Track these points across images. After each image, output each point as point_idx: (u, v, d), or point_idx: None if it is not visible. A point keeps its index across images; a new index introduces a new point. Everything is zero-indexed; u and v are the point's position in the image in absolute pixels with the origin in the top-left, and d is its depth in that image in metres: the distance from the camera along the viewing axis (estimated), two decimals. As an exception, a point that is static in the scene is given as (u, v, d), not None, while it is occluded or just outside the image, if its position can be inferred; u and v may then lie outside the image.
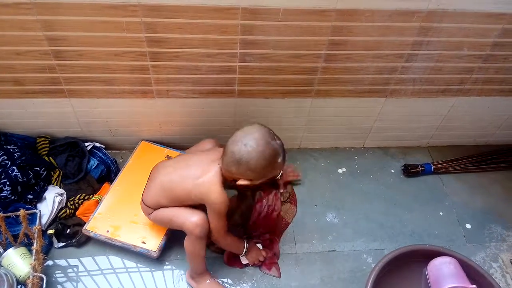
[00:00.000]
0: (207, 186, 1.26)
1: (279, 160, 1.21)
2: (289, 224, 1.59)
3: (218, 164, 1.27)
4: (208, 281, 1.39)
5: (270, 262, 1.48)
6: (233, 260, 1.48)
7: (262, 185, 1.60)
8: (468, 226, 1.67)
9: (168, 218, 1.35)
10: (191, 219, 1.29)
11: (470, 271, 1.32)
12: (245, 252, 1.43)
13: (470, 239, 1.63)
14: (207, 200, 1.27)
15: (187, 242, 1.32)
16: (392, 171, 1.83)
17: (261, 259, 1.46)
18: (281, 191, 1.63)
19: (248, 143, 1.17)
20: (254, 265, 1.47)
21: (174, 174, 1.34)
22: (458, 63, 1.53)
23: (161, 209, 1.37)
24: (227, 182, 1.29)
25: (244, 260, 1.46)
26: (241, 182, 1.23)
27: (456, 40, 1.44)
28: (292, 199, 1.65)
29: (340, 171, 1.81)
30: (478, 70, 1.57)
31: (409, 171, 1.79)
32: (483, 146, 1.96)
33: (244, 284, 1.44)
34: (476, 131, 1.88)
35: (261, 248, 1.50)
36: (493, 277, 1.32)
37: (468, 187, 1.80)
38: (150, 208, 1.38)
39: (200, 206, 1.32)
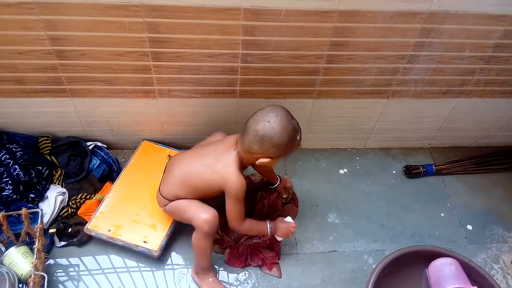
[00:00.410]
0: (225, 171, 1.29)
1: (298, 137, 1.28)
2: None
3: (235, 150, 1.32)
4: (210, 279, 1.40)
5: (271, 262, 1.48)
6: (233, 260, 1.48)
7: (263, 185, 1.60)
8: (469, 227, 1.67)
9: (181, 211, 1.38)
10: (201, 215, 1.30)
11: (471, 272, 1.32)
12: (270, 232, 1.41)
13: (471, 240, 1.63)
14: (226, 185, 1.29)
15: (194, 237, 1.34)
16: (394, 172, 1.83)
17: (293, 230, 1.44)
18: (284, 196, 1.63)
19: (271, 120, 1.22)
20: (288, 237, 1.45)
21: (192, 165, 1.37)
22: (460, 64, 1.53)
23: (177, 201, 1.39)
24: (245, 166, 1.35)
25: (278, 238, 1.46)
26: (261, 160, 1.27)
27: (458, 41, 1.44)
28: (293, 199, 1.65)
29: (341, 171, 1.81)
30: (480, 72, 1.57)
31: (411, 172, 1.79)
32: (485, 147, 1.96)
33: (245, 284, 1.44)
34: (478, 133, 1.88)
35: (289, 221, 1.45)
36: (494, 278, 1.32)
37: (469, 188, 1.80)
38: (167, 200, 1.40)
39: (214, 203, 1.35)
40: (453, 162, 1.85)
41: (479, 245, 1.62)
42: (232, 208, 1.32)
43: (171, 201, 1.40)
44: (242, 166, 1.33)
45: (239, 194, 1.29)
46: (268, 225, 1.41)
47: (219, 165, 1.31)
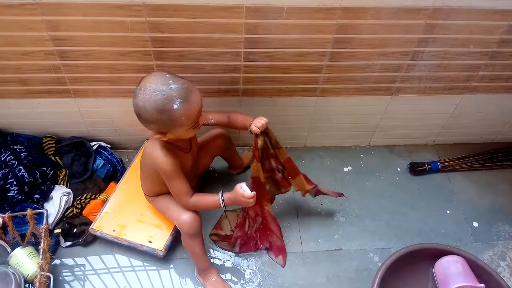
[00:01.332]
0: (150, 150, 1.25)
1: (176, 107, 1.09)
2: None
3: None
4: (213, 279, 1.40)
5: (279, 248, 1.48)
6: (245, 248, 1.49)
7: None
8: (475, 224, 1.66)
9: (164, 210, 1.39)
10: (181, 216, 1.30)
11: (477, 270, 1.31)
12: (223, 204, 1.27)
13: (478, 238, 1.62)
14: (157, 167, 1.24)
15: (182, 239, 1.35)
16: (398, 169, 1.82)
17: (249, 201, 1.24)
18: (258, 143, 1.31)
19: (137, 94, 1.10)
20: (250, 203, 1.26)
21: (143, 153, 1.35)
22: (464, 60, 1.51)
23: (158, 198, 1.40)
24: (168, 144, 1.24)
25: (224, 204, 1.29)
26: (157, 136, 1.18)
27: (462, 37, 1.43)
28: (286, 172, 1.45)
29: (345, 169, 1.80)
30: (484, 67, 1.55)
31: (416, 169, 1.78)
32: (491, 143, 1.94)
33: (250, 283, 1.44)
34: (483, 129, 1.87)
35: (244, 189, 1.24)
36: (501, 275, 1.31)
37: (475, 185, 1.79)
38: (149, 196, 1.42)
39: None
40: (458, 159, 1.84)
41: (486, 243, 1.61)
42: (172, 187, 1.27)
43: (152, 196, 1.41)
44: (168, 143, 1.23)
45: (170, 172, 1.22)
46: (220, 196, 1.26)
47: (148, 149, 1.26)
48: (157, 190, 1.39)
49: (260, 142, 1.29)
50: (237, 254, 1.50)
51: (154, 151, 1.23)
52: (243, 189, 1.24)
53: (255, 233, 1.50)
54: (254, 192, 1.23)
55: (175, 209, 1.34)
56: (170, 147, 1.24)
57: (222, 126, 1.43)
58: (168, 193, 1.38)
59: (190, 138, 1.33)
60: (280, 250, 1.49)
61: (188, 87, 1.12)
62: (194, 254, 1.36)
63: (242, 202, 1.25)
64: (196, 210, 1.32)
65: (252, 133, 1.30)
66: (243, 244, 1.49)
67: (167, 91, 1.08)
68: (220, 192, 1.28)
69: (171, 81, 1.09)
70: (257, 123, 1.27)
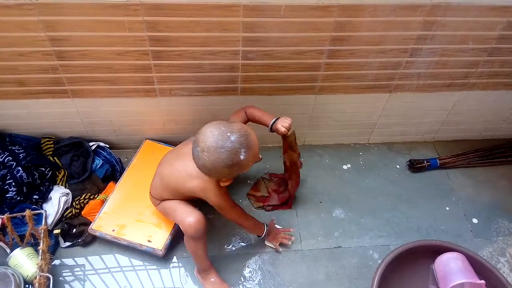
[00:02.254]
0: (202, 184, 1.26)
1: (242, 157, 1.12)
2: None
3: None
4: (212, 279, 1.40)
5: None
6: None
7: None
8: (475, 220, 1.66)
9: (169, 213, 1.38)
10: (186, 219, 1.30)
11: (477, 266, 1.32)
12: (266, 235, 1.47)
13: (477, 234, 1.62)
14: (205, 197, 1.29)
15: (185, 240, 1.35)
16: (398, 166, 1.82)
17: (285, 241, 1.51)
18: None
19: (200, 156, 1.12)
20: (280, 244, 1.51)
21: (170, 166, 1.35)
22: (463, 57, 1.51)
23: (165, 202, 1.39)
24: None
25: (268, 243, 1.52)
26: (225, 183, 1.23)
27: (461, 33, 1.42)
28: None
29: (345, 167, 1.80)
30: (483, 64, 1.55)
31: (415, 166, 1.78)
32: (490, 140, 1.94)
33: (250, 281, 1.44)
34: (482, 125, 1.87)
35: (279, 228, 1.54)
36: (501, 271, 1.31)
37: (474, 182, 1.79)
38: (156, 199, 1.41)
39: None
40: (457, 156, 1.84)
41: (485, 239, 1.61)
42: (228, 215, 1.35)
43: (158, 200, 1.40)
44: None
45: (224, 205, 1.30)
46: (265, 228, 1.47)
47: (195, 174, 1.23)
48: (169, 197, 1.38)
49: (291, 139, 1.39)
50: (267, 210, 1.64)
51: (210, 190, 1.26)
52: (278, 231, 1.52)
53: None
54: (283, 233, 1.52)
55: (180, 213, 1.33)
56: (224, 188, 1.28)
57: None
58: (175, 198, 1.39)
59: None
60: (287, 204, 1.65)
61: (245, 132, 1.13)
62: (196, 256, 1.36)
63: (275, 237, 1.50)
64: (201, 213, 1.32)
65: (272, 131, 1.36)
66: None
67: (230, 146, 1.10)
68: (266, 224, 1.48)
69: (228, 134, 1.10)
70: (284, 123, 1.32)
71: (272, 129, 1.35)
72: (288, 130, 1.33)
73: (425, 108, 1.73)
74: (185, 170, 1.28)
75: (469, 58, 1.52)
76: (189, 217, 1.30)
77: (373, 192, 1.72)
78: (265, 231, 1.46)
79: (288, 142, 1.40)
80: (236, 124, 1.16)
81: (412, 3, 1.30)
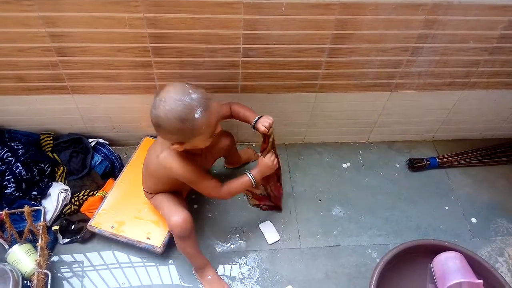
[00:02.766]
0: (166, 161, 1.24)
1: (197, 116, 1.10)
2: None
3: None
4: (209, 277, 1.40)
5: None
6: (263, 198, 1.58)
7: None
8: (473, 220, 1.66)
9: (158, 209, 1.39)
10: (172, 218, 1.30)
11: (475, 265, 1.32)
12: (254, 180, 1.33)
13: (476, 234, 1.62)
14: (173, 175, 1.26)
15: (174, 239, 1.34)
16: (397, 165, 1.82)
17: (274, 163, 1.34)
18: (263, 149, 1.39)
19: (157, 105, 1.11)
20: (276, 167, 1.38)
21: (148, 153, 1.35)
22: (464, 56, 1.51)
23: (156, 197, 1.40)
24: (182, 152, 1.24)
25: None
26: (175, 147, 1.18)
27: (462, 32, 1.42)
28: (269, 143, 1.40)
29: (344, 165, 1.80)
30: (484, 63, 1.55)
31: (414, 165, 1.78)
32: (490, 139, 1.94)
33: (249, 279, 1.44)
34: (483, 125, 1.86)
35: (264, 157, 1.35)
36: (499, 271, 1.32)
37: (474, 181, 1.79)
38: (148, 193, 1.42)
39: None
40: (457, 155, 1.84)
41: (484, 238, 1.61)
42: (200, 189, 1.29)
43: (152, 194, 1.41)
44: (182, 152, 1.23)
45: (193, 177, 1.25)
46: (249, 176, 1.33)
47: (161, 154, 1.25)
48: (159, 189, 1.39)
49: (270, 140, 1.33)
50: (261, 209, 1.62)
51: (172, 162, 1.23)
52: (266, 157, 1.33)
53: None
54: (272, 152, 1.34)
55: (167, 211, 1.34)
56: (185, 154, 1.25)
57: (225, 118, 1.41)
58: (165, 192, 1.39)
59: None
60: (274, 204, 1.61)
61: (207, 96, 1.13)
62: (187, 255, 1.36)
63: (269, 168, 1.34)
64: (187, 212, 1.31)
65: (255, 129, 1.32)
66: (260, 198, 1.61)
67: (189, 101, 1.09)
68: (247, 172, 1.33)
69: (190, 91, 1.10)
70: (265, 123, 1.29)
71: (255, 127, 1.32)
72: (269, 130, 1.30)
73: (426, 107, 1.73)
74: (155, 151, 1.28)
75: (470, 57, 1.52)
76: (175, 216, 1.29)
77: (372, 191, 1.72)
78: (252, 180, 1.33)
79: (268, 142, 1.35)
80: (202, 89, 1.14)
81: (413, 1, 1.30)
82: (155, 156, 1.27)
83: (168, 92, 1.10)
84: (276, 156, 1.38)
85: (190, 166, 1.24)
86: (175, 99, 1.09)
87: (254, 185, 1.34)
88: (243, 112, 1.36)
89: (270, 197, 1.60)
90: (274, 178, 1.50)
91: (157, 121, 1.12)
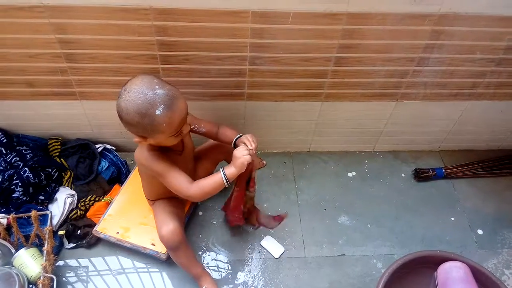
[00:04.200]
0: (137, 156, 1.23)
1: (158, 113, 1.05)
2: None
3: None
4: (204, 287, 1.38)
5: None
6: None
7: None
8: (480, 232, 1.65)
9: (155, 217, 1.39)
10: (161, 228, 1.28)
11: (481, 277, 1.30)
12: (226, 178, 1.17)
13: (482, 245, 1.61)
14: (148, 170, 1.22)
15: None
16: (403, 175, 1.81)
17: (247, 157, 1.16)
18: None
19: (121, 94, 1.07)
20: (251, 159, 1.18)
21: None
22: (471, 67, 1.51)
23: (155, 204, 1.41)
24: (155, 146, 1.20)
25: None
26: (137, 140, 1.14)
27: (469, 43, 1.42)
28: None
29: (350, 174, 1.80)
30: (490, 74, 1.55)
31: (420, 176, 1.77)
32: (496, 150, 1.93)
33: (252, 288, 1.44)
34: (489, 136, 1.86)
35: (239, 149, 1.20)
36: (505, 284, 1.30)
37: (480, 192, 1.78)
38: (149, 200, 1.44)
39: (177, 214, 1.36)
40: (463, 166, 1.83)
41: (490, 250, 1.60)
42: (169, 184, 1.20)
43: (152, 200, 1.42)
44: (155, 146, 1.20)
45: (161, 170, 1.18)
46: (222, 172, 1.18)
47: (136, 154, 1.24)
48: (155, 194, 1.40)
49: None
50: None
51: (142, 155, 1.21)
52: (238, 148, 1.18)
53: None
54: (244, 146, 1.19)
55: (158, 220, 1.33)
56: (157, 148, 1.20)
57: (210, 137, 1.39)
58: (165, 198, 1.40)
59: (182, 141, 1.29)
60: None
61: (173, 94, 1.08)
62: (181, 265, 1.36)
63: (240, 161, 1.15)
64: (177, 223, 1.29)
65: (235, 146, 1.26)
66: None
67: (151, 95, 1.05)
68: (221, 169, 1.19)
69: (157, 86, 1.06)
70: (249, 137, 1.23)
71: (236, 144, 1.27)
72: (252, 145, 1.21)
73: (432, 117, 1.72)
74: (135, 155, 1.26)
75: (476, 68, 1.52)
76: (164, 227, 1.28)
77: (378, 201, 1.71)
78: (224, 178, 1.18)
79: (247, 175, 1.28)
80: (171, 85, 1.10)
81: (420, 12, 1.31)
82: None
83: (133, 83, 1.07)
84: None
85: (159, 160, 1.19)
86: (138, 91, 1.05)
87: (226, 183, 1.18)
88: (229, 133, 1.32)
89: (229, 202, 1.45)
90: (242, 182, 1.35)
91: (118, 111, 1.09)
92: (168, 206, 1.38)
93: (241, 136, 1.28)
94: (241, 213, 1.46)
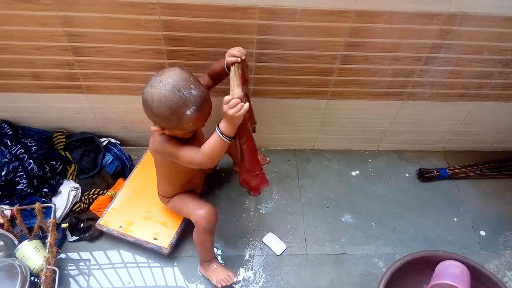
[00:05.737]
0: (152, 144, 1.24)
1: (188, 113, 1.08)
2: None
3: None
4: (214, 266, 1.41)
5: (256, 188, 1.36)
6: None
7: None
8: (482, 233, 1.64)
9: (179, 208, 1.41)
10: (198, 212, 1.32)
11: (483, 278, 1.30)
12: (222, 134, 1.12)
13: (484, 246, 1.60)
14: (161, 154, 1.23)
15: (195, 232, 1.36)
16: (407, 175, 1.81)
17: (234, 101, 1.09)
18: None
19: (154, 85, 1.07)
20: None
21: None
22: (478, 67, 1.50)
23: (173, 199, 1.41)
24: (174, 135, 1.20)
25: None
26: (153, 127, 1.15)
27: (476, 44, 1.42)
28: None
29: (353, 173, 1.79)
30: (497, 75, 1.54)
31: (424, 176, 1.77)
32: (501, 152, 1.93)
33: (254, 284, 1.44)
34: (494, 137, 1.85)
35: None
36: (507, 285, 1.30)
37: (483, 194, 1.77)
38: (164, 197, 1.44)
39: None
40: (467, 167, 1.82)
41: (492, 251, 1.59)
42: (182, 158, 1.18)
43: (167, 197, 1.43)
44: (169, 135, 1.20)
45: (172, 149, 1.18)
46: (217, 130, 1.13)
47: (151, 144, 1.25)
48: (174, 186, 1.40)
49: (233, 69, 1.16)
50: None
51: (155, 141, 1.22)
52: (224, 105, 1.09)
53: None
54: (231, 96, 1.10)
55: (191, 207, 1.36)
56: (169, 136, 1.21)
57: (210, 87, 1.31)
58: (182, 193, 1.41)
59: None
60: (257, 188, 1.37)
61: (205, 96, 1.11)
62: (204, 248, 1.37)
63: (230, 113, 1.08)
64: (212, 206, 1.34)
65: (229, 71, 1.18)
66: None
67: (187, 95, 1.06)
68: (216, 127, 1.14)
69: (192, 86, 1.08)
70: (233, 50, 1.16)
71: (228, 66, 1.19)
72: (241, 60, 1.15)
73: (437, 117, 1.72)
74: (150, 145, 1.27)
75: (483, 69, 1.51)
76: (201, 210, 1.33)
77: (381, 200, 1.71)
78: (220, 135, 1.12)
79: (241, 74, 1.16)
80: (204, 87, 1.13)
81: (428, 11, 1.30)
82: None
83: (170, 76, 1.07)
84: (247, 96, 1.18)
85: (170, 140, 1.20)
86: (174, 87, 1.06)
87: (224, 138, 1.11)
88: (215, 65, 1.26)
89: (243, 164, 1.30)
90: (246, 129, 1.21)
91: (148, 99, 1.08)
92: (190, 195, 1.42)
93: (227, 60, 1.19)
94: (261, 167, 1.33)
